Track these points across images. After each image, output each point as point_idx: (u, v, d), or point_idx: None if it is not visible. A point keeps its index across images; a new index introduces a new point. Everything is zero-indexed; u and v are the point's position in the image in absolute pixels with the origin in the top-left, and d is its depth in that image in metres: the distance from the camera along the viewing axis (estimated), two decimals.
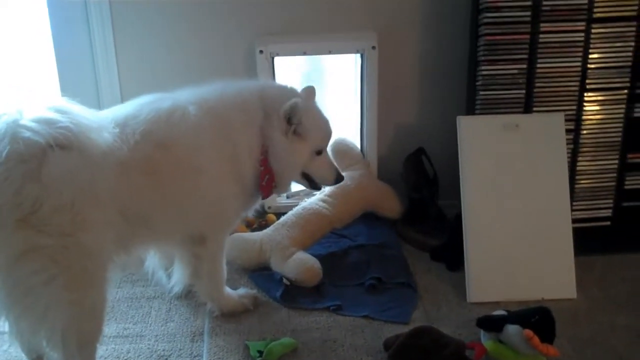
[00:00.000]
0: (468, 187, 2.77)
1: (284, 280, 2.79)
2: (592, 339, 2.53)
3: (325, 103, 3.25)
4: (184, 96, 2.45)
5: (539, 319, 2.34)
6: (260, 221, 3.22)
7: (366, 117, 3.19)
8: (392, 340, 2.43)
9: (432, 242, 3.06)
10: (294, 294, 2.77)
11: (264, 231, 2.99)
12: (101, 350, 2.51)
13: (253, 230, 3.14)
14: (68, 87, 3.21)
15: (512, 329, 2.35)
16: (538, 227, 2.76)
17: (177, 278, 2.69)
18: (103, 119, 2.24)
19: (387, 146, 3.34)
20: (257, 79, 2.75)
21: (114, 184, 2.15)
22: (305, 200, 3.15)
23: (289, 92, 2.61)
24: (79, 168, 2.02)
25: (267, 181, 2.56)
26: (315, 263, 2.82)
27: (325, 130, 2.67)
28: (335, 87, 3.33)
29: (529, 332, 2.30)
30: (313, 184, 2.70)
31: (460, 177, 2.77)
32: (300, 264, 2.81)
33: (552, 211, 2.77)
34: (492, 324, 2.43)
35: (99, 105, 3.06)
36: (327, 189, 3.13)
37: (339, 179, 2.70)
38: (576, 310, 2.68)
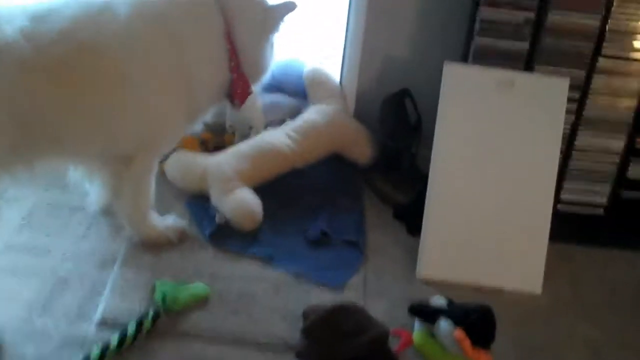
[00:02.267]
0: (441, 145, 2.40)
1: (217, 218, 2.50)
2: (542, 347, 2.22)
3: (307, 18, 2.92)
4: None
5: (476, 318, 2.04)
6: (218, 141, 2.88)
7: (349, 44, 2.78)
8: (311, 310, 2.14)
9: (398, 197, 2.72)
10: (225, 234, 2.48)
11: (213, 156, 2.66)
12: None
13: (208, 149, 2.82)
14: None
15: (444, 325, 2.06)
16: (513, 204, 2.41)
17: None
18: (10, 10, 1.92)
19: (369, 82, 2.91)
20: None
21: (9, 86, 1.86)
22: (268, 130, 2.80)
23: None
24: None
25: (243, 87, 2.31)
26: (256, 207, 2.50)
27: None
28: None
29: (459, 334, 2.01)
30: None
31: (435, 131, 2.41)
32: (240, 205, 2.49)
33: (533, 188, 2.41)
34: (425, 314, 2.13)
35: None
36: (292, 124, 2.79)
37: None
38: (535, 308, 2.36)
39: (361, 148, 2.84)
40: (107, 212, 2.49)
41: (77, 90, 1.98)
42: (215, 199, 2.54)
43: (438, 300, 2.17)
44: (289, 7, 2.34)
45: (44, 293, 2.20)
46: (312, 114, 2.82)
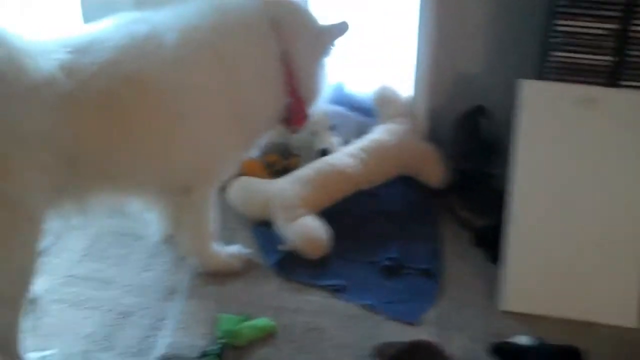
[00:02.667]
0: (520, 170, 2.21)
1: (281, 247, 2.37)
2: None
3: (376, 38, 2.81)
4: (167, 20, 2.01)
5: None
6: (284, 163, 2.76)
7: (419, 60, 2.62)
8: (383, 349, 1.99)
9: (478, 222, 2.54)
10: (292, 263, 2.35)
11: (278, 181, 2.54)
12: (61, 292, 2.24)
13: (274, 172, 2.70)
14: None
15: None
16: (602, 232, 2.19)
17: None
18: (49, 43, 1.83)
19: (441, 100, 2.73)
20: None
21: (50, 124, 1.76)
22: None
23: (300, 8, 2.24)
24: None
25: (300, 112, 2.22)
26: (322, 234, 2.37)
27: None
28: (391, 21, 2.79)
29: None
30: None
31: (512, 155, 2.22)
32: (305, 232, 2.36)
33: (624, 215, 2.19)
34: (508, 354, 1.95)
35: None
36: (358, 143, 2.64)
37: None
38: (631, 343, 2.13)
39: (432, 170, 2.68)
40: (170, 241, 2.39)
41: (123, 125, 1.89)
42: (280, 226, 2.42)
43: (523, 339, 1.99)
44: (342, 29, 2.22)
45: (104, 327, 2.13)
46: (380, 133, 2.68)
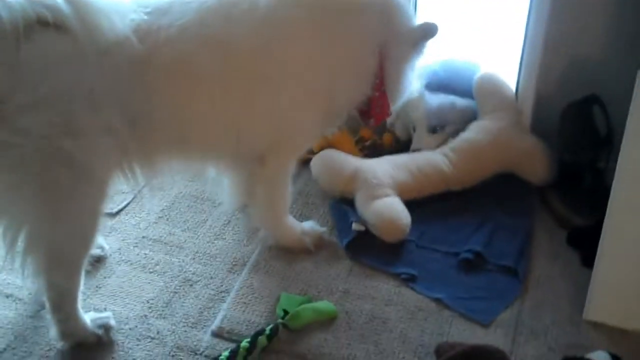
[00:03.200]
0: (626, 167, 1.97)
1: (355, 226, 2.25)
2: None
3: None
4: None
5: None
6: (376, 140, 2.63)
7: (528, 43, 2.38)
8: (442, 348, 1.86)
9: (575, 220, 2.32)
10: (365, 246, 2.24)
11: (367, 160, 2.43)
12: (131, 253, 2.24)
13: (362, 148, 2.58)
14: None
15: None
16: None
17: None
18: (129, 2, 1.78)
19: (551, 87, 2.48)
20: None
21: (121, 87, 1.72)
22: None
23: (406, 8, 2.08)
24: (69, 58, 1.64)
25: (382, 108, 2.09)
26: (404, 218, 2.24)
27: None
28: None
29: None
30: None
31: (620, 153, 1.99)
32: (386, 212, 2.24)
33: None
34: None
35: None
36: (451, 143, 2.50)
37: None
38: None
39: (535, 167, 2.46)
40: (245, 210, 2.33)
41: (200, 89, 1.82)
42: (360, 204, 2.30)
43: (600, 356, 1.79)
44: (432, 31, 2.05)
45: (167, 293, 2.11)
46: (474, 132, 2.50)
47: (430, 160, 2.42)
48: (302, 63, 1.93)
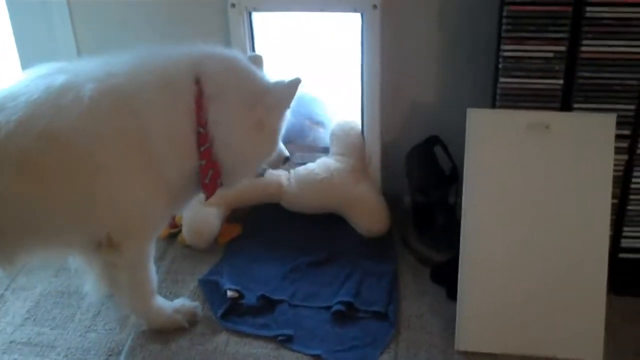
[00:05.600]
0: (471, 201, 2.11)
1: (229, 293, 2.27)
2: None
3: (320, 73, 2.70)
4: (87, 69, 1.92)
5: None
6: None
7: (366, 94, 2.51)
8: None
9: (435, 256, 2.44)
10: (241, 312, 2.26)
11: None
12: None
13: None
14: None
15: None
16: (561, 259, 2.07)
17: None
18: None
19: (395, 132, 2.64)
20: (200, 44, 2.11)
21: None
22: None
23: (239, 64, 2.04)
24: None
25: (212, 177, 2.02)
26: (208, 227, 2.53)
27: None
28: (335, 53, 2.68)
29: None
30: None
31: (463, 188, 2.12)
32: (195, 221, 2.51)
33: (583, 240, 2.07)
34: None
35: None
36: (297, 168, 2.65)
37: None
38: None
39: (363, 217, 2.56)
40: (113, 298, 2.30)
41: (44, 181, 1.82)
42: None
43: None
44: (291, 88, 2.02)
45: None
46: (315, 165, 2.64)
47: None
48: (123, 145, 1.91)
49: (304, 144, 2.77)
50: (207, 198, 2.08)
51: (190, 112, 1.95)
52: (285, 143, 2.23)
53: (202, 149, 1.97)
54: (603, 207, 2.08)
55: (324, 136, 2.76)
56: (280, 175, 2.59)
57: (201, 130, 1.95)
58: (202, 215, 2.50)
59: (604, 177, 2.07)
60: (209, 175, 2.01)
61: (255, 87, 2.02)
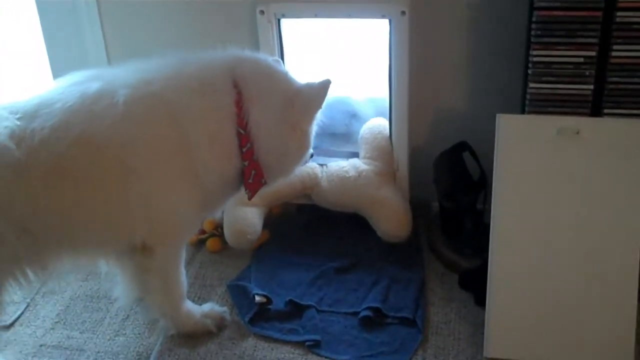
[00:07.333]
0: (500, 206, 2.10)
1: (258, 298, 2.28)
2: None
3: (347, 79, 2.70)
4: (121, 76, 1.94)
5: None
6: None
7: (395, 100, 2.50)
8: None
9: (463, 262, 2.43)
10: (269, 317, 2.26)
11: None
12: None
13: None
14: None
15: None
16: (592, 268, 2.06)
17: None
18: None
19: (424, 138, 2.64)
20: (232, 48, 2.11)
21: (3, 195, 1.73)
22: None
23: (271, 67, 2.08)
24: None
25: (255, 177, 2.05)
26: (250, 227, 2.51)
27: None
28: (364, 59, 2.68)
29: None
30: None
31: (493, 194, 2.11)
32: (237, 222, 2.51)
33: (614, 250, 2.06)
34: None
35: None
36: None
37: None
38: None
39: (383, 220, 2.53)
40: (141, 303, 2.31)
41: (77, 189, 1.84)
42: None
43: None
44: (321, 89, 2.04)
45: None
46: (346, 163, 2.65)
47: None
48: (161, 149, 1.93)
49: (337, 133, 2.78)
50: (251, 197, 2.11)
51: (232, 115, 1.98)
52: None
53: (244, 149, 2.00)
54: (635, 214, 2.06)
55: (357, 129, 2.75)
56: (316, 167, 2.62)
57: (242, 131, 1.98)
58: (243, 216, 2.51)
59: (636, 183, 2.06)
60: (252, 175, 2.05)
61: (289, 89, 2.06)
